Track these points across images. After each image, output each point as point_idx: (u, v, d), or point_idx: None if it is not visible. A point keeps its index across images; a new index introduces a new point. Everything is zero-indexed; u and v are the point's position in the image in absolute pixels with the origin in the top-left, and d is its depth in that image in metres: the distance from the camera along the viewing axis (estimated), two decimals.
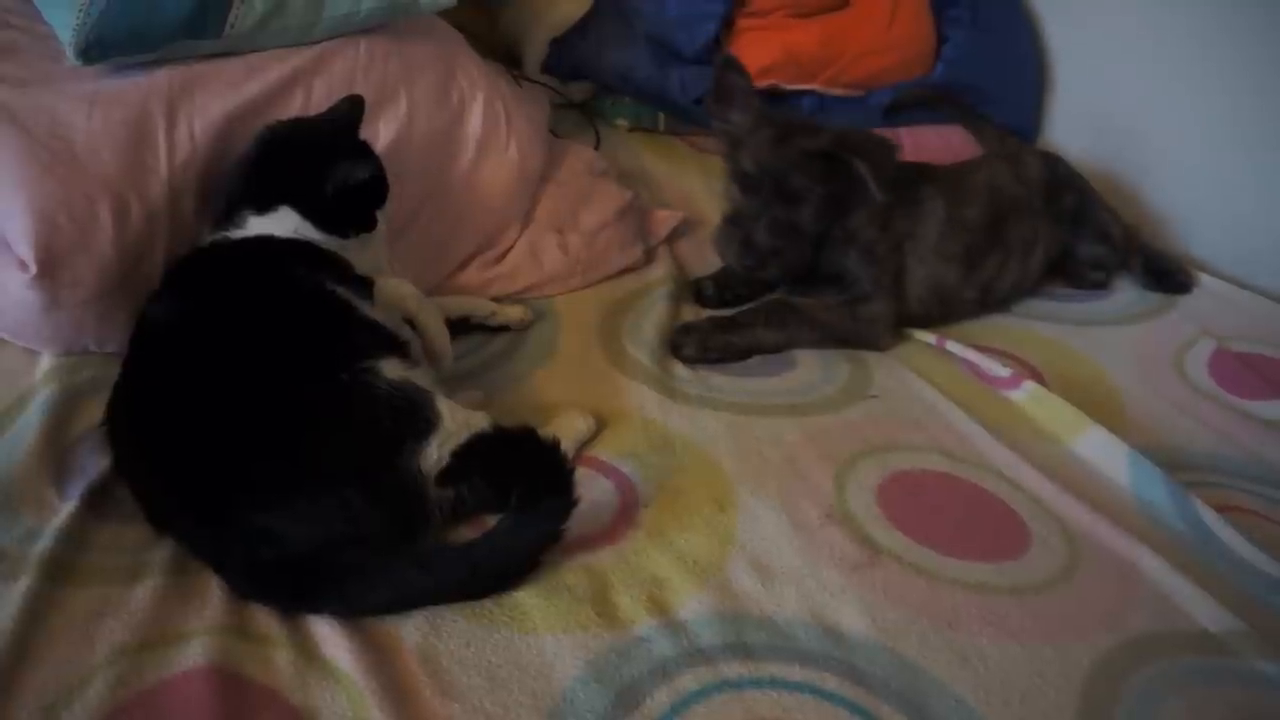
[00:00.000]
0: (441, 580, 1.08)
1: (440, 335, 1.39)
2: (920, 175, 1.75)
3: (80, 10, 1.38)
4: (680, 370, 1.55)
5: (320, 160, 1.32)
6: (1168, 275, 1.93)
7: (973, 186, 1.78)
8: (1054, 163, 1.95)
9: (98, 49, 1.39)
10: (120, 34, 1.39)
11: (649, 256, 1.83)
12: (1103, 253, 1.91)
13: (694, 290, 1.78)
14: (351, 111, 1.42)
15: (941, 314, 1.74)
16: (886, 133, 2.14)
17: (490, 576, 1.10)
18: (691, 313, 1.73)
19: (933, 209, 1.71)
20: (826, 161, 1.54)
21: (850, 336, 1.64)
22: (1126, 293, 1.91)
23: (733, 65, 1.65)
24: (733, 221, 1.62)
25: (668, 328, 1.64)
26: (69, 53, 1.38)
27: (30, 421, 1.25)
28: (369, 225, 1.38)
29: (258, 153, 1.37)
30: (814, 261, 1.65)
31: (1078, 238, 1.90)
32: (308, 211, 1.32)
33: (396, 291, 1.36)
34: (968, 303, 1.77)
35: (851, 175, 1.51)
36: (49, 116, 1.37)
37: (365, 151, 1.40)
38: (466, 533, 1.18)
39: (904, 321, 1.70)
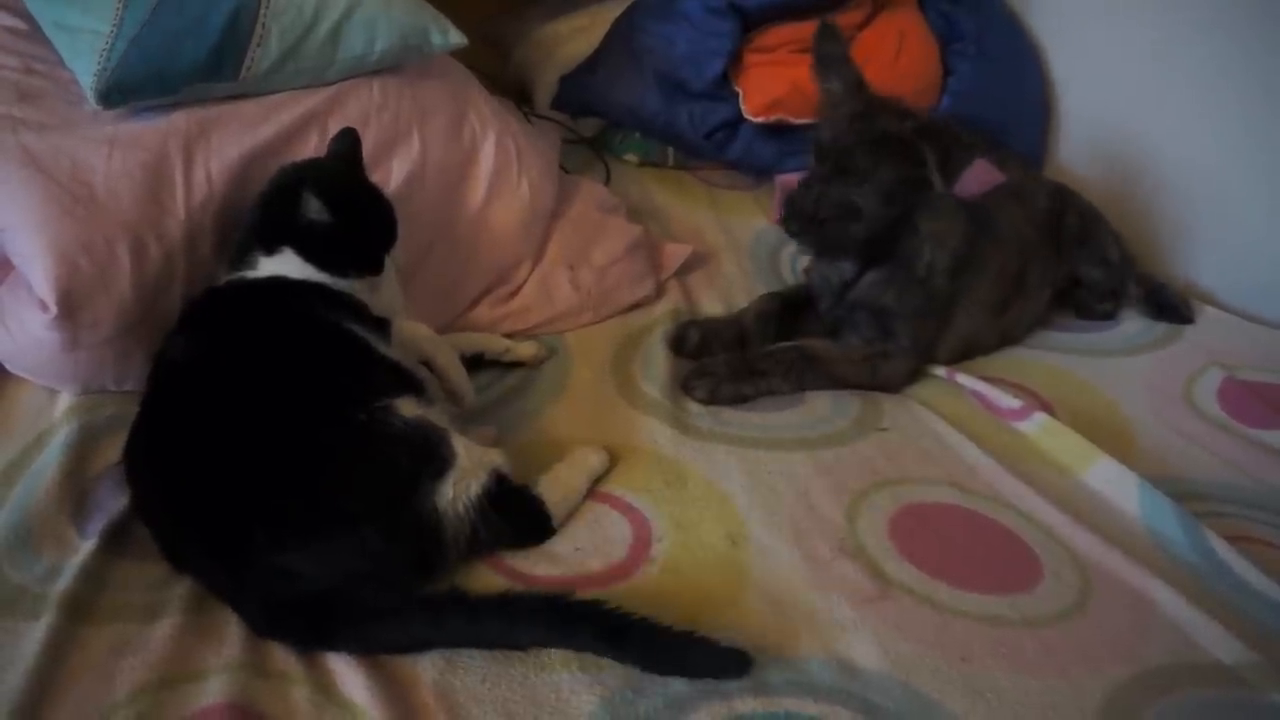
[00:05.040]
0: (454, 633, 1.09)
1: (458, 375, 1.41)
2: (980, 221, 1.72)
3: (100, 56, 1.41)
4: (692, 404, 1.55)
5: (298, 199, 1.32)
6: (1170, 307, 1.93)
7: (1007, 233, 1.76)
8: (1062, 191, 1.95)
9: (118, 93, 1.41)
10: (140, 78, 1.42)
11: (659, 291, 1.84)
12: (1099, 276, 1.90)
13: (675, 334, 1.70)
14: (344, 145, 1.42)
15: (963, 358, 1.74)
16: None
17: (503, 640, 1.09)
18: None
19: (990, 263, 1.71)
20: (904, 147, 1.52)
21: (865, 388, 1.63)
22: (1135, 323, 1.92)
23: (829, 33, 1.66)
24: (800, 185, 1.60)
25: (679, 363, 1.64)
26: (90, 97, 1.41)
27: (50, 460, 1.27)
28: (373, 267, 1.37)
29: (267, 194, 1.38)
30: (872, 284, 1.64)
31: (1079, 260, 1.90)
32: (306, 252, 1.33)
33: (413, 334, 1.38)
34: (988, 348, 1.77)
35: (924, 170, 1.50)
36: (69, 160, 1.39)
37: (349, 188, 1.38)
38: (483, 570, 1.19)
39: (916, 375, 1.69)
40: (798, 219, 1.58)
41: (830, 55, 1.65)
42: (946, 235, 1.64)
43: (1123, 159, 2.19)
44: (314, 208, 1.30)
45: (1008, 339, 1.80)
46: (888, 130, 1.53)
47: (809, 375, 1.61)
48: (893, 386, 1.65)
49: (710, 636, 1.06)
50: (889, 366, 1.64)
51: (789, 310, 1.76)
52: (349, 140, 1.43)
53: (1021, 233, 1.80)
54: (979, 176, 1.89)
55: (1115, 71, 2.21)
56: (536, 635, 1.08)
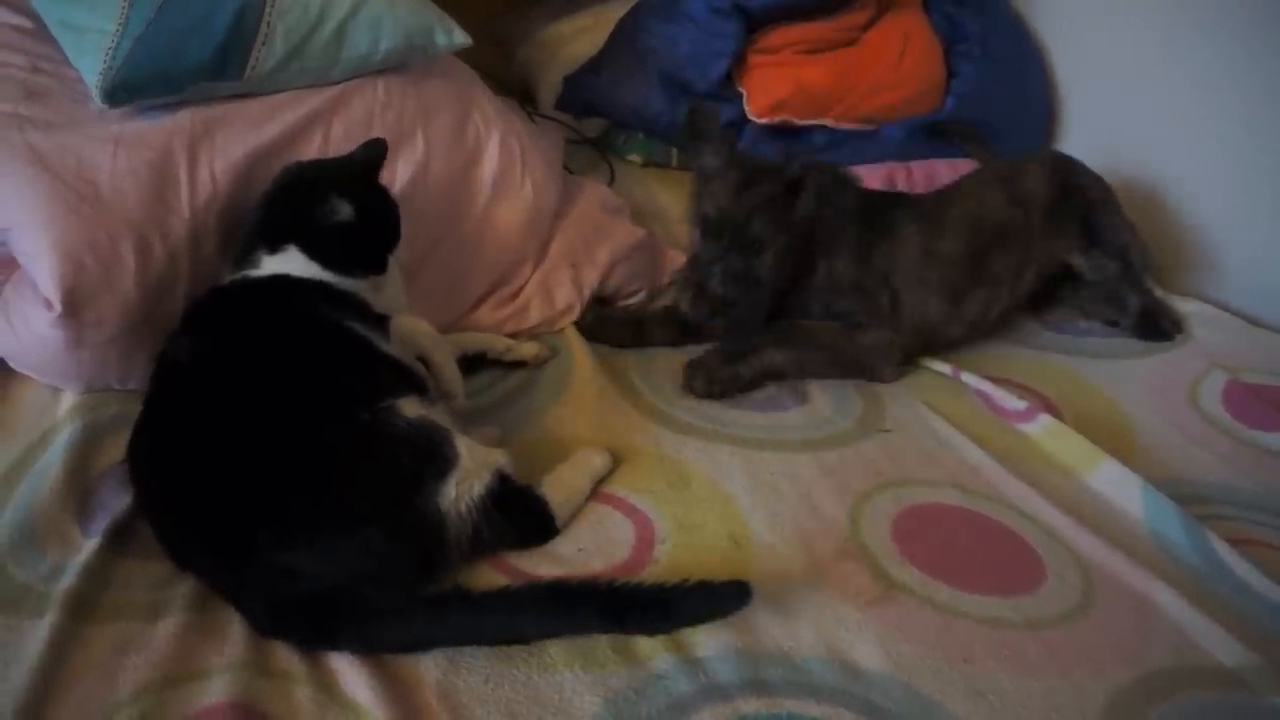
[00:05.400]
0: (457, 629, 1.09)
1: (452, 373, 1.41)
2: (893, 204, 1.74)
3: (106, 55, 1.41)
4: (694, 404, 1.56)
5: (315, 200, 1.33)
6: (1155, 324, 1.88)
7: (950, 218, 1.75)
8: (1064, 169, 1.89)
9: (123, 92, 1.42)
10: (145, 77, 1.42)
11: (661, 293, 1.84)
12: (1111, 269, 1.87)
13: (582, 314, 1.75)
14: (370, 153, 1.43)
15: (925, 346, 1.72)
16: (897, 167, 2.17)
17: (506, 633, 1.09)
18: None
19: (907, 237, 1.70)
20: (791, 207, 1.52)
21: (853, 364, 1.64)
22: None
23: (698, 111, 1.64)
24: (690, 267, 1.59)
25: (679, 363, 1.64)
26: (95, 96, 1.41)
27: (54, 458, 1.27)
28: (377, 266, 1.38)
29: (271, 193, 1.39)
30: (794, 310, 1.64)
31: (1085, 252, 1.87)
32: (312, 251, 1.33)
33: (411, 329, 1.38)
34: (954, 339, 1.76)
35: (816, 217, 1.50)
36: (75, 158, 1.39)
37: (368, 192, 1.40)
38: (486, 570, 1.19)
39: (897, 348, 1.68)
40: (705, 303, 1.55)
41: (702, 129, 1.63)
42: (833, 244, 1.63)
43: (1126, 161, 2.19)
44: (342, 210, 1.31)
45: (978, 330, 1.78)
46: (772, 194, 1.53)
47: (800, 344, 1.61)
48: (876, 359, 1.65)
49: (707, 580, 1.08)
50: (865, 337, 1.64)
51: None
52: (377, 149, 1.43)
53: (983, 215, 1.76)
54: None
55: (1119, 74, 2.21)
56: (542, 625, 1.09)
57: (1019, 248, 1.78)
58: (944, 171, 2.18)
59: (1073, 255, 1.88)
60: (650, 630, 1.09)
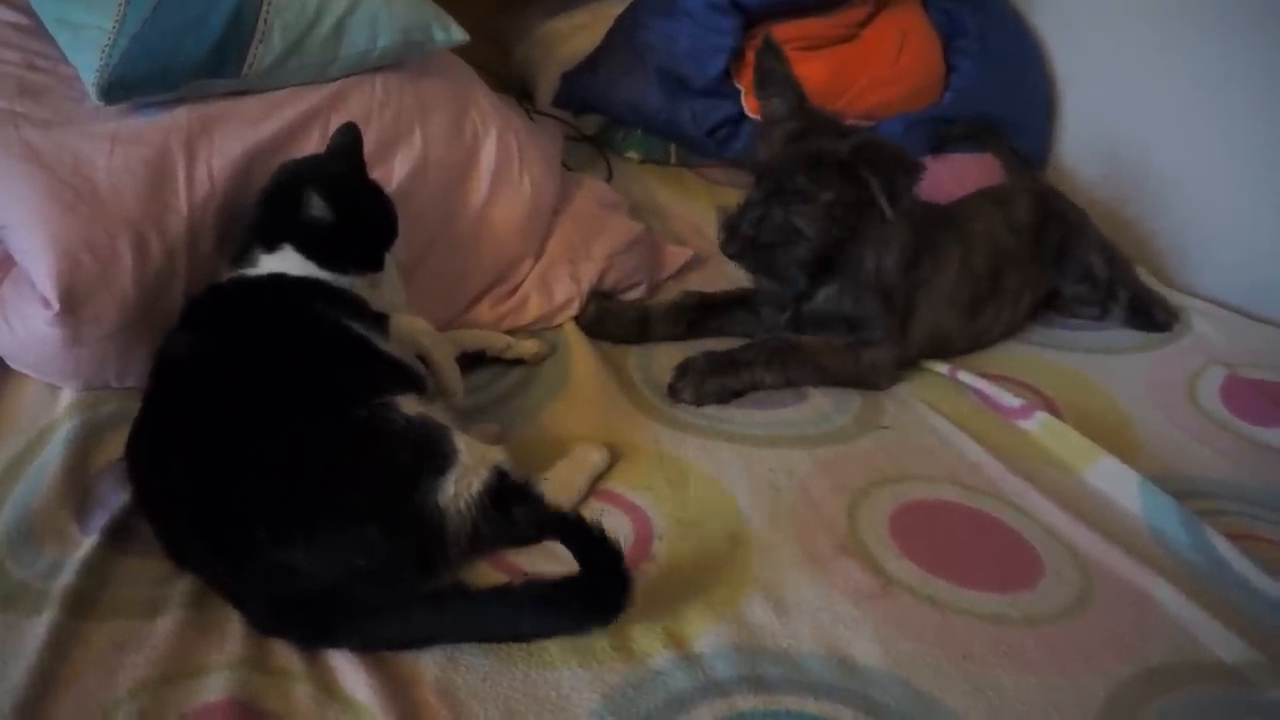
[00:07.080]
0: (457, 625, 1.09)
1: (451, 371, 1.40)
2: (941, 218, 1.73)
3: (103, 52, 1.41)
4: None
5: (300, 197, 1.32)
6: (1147, 315, 1.88)
7: (978, 233, 1.76)
8: (1046, 199, 1.92)
9: (120, 89, 1.42)
10: (141, 74, 1.42)
11: (658, 289, 1.84)
12: (1084, 291, 1.88)
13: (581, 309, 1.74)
14: (346, 141, 1.42)
15: (933, 353, 1.72)
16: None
17: (506, 631, 1.09)
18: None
19: (950, 256, 1.69)
20: (843, 169, 1.50)
21: (850, 380, 1.62)
22: None
23: (770, 49, 1.63)
24: (739, 207, 1.58)
25: (679, 359, 1.63)
26: (92, 93, 1.41)
27: (52, 456, 1.27)
28: (374, 264, 1.38)
29: (267, 191, 1.38)
30: (827, 299, 1.63)
31: (1062, 275, 1.87)
32: (307, 250, 1.32)
33: (410, 327, 1.37)
34: (958, 350, 1.75)
35: (867, 190, 1.48)
36: (72, 155, 1.39)
37: (359, 190, 1.40)
38: (484, 567, 1.19)
39: (900, 364, 1.67)
40: (736, 242, 1.55)
41: (771, 73, 1.63)
42: (889, 238, 1.61)
43: (1126, 157, 2.20)
44: (316, 206, 1.30)
45: (981, 342, 1.78)
46: (823, 150, 1.51)
47: (793, 365, 1.59)
48: (879, 377, 1.63)
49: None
50: (871, 354, 1.62)
51: (710, 310, 1.75)
52: (350, 135, 1.43)
53: (996, 236, 1.78)
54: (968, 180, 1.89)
55: (1119, 70, 2.21)
56: (540, 624, 1.09)
57: (1018, 272, 1.80)
58: (941, 169, 2.17)
59: (1059, 281, 1.88)
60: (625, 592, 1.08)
